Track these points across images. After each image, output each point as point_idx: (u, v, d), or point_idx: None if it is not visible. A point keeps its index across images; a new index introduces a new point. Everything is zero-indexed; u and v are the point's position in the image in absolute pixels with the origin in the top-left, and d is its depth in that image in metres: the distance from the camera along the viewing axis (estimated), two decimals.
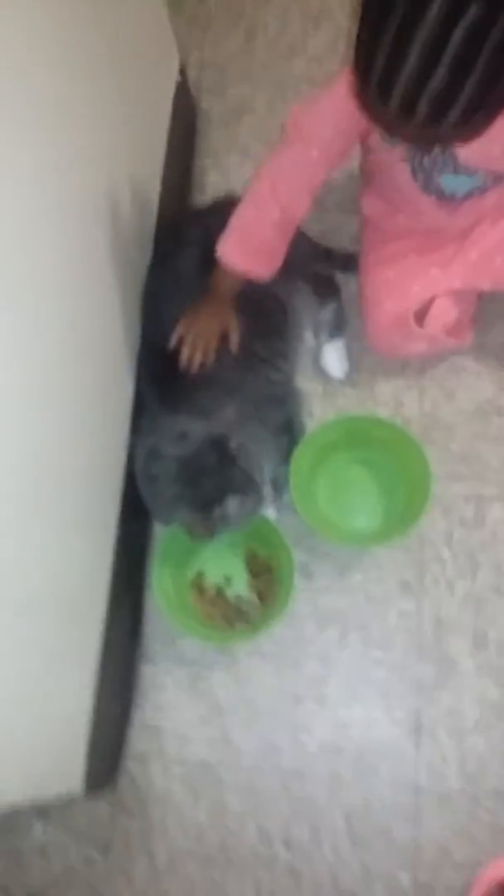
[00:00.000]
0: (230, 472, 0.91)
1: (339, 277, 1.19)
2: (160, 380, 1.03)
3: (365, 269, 1.10)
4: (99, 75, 0.90)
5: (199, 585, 1.08)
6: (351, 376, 1.16)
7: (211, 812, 1.00)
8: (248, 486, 0.92)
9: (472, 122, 0.69)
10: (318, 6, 1.40)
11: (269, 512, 1.06)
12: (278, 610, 0.98)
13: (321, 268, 1.19)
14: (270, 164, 0.92)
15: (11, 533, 0.70)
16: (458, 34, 0.62)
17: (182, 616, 1.02)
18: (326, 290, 1.16)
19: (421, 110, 0.66)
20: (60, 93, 0.78)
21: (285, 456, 1.05)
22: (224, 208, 1.11)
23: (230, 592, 1.07)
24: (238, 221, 0.94)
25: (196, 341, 0.97)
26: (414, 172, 0.93)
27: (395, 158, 0.91)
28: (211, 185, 1.31)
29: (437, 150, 0.88)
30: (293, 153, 0.91)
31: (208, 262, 1.02)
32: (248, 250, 0.94)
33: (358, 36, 0.68)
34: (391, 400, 1.15)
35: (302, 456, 1.04)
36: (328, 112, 0.89)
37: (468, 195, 0.95)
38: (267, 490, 1.00)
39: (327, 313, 1.16)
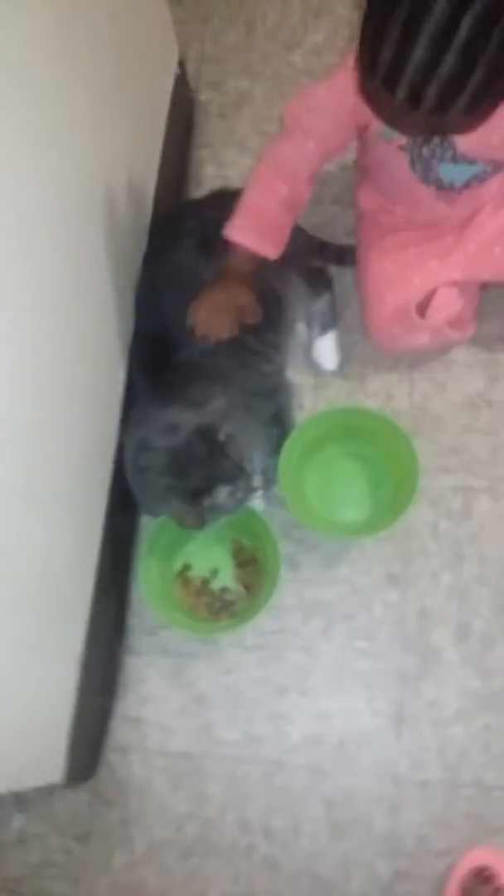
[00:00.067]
0: (219, 461, 0.91)
1: (333, 270, 1.19)
2: (152, 371, 1.03)
3: (364, 263, 1.10)
4: (98, 67, 0.90)
5: (184, 577, 1.08)
6: (342, 369, 1.17)
7: (191, 802, 1.00)
8: (237, 475, 0.92)
9: (479, 110, 0.68)
10: None
11: (257, 503, 1.06)
12: (263, 601, 0.98)
13: (315, 260, 1.19)
14: (271, 152, 0.93)
15: (0, 523, 0.70)
16: (467, 20, 0.62)
17: (167, 608, 1.02)
18: (319, 282, 1.17)
19: (429, 98, 0.66)
20: (59, 83, 0.78)
21: (275, 447, 1.06)
22: (220, 200, 1.12)
23: (215, 584, 1.07)
24: (246, 202, 0.94)
25: (210, 319, 0.95)
26: (413, 163, 0.93)
27: (393, 149, 0.92)
28: (207, 177, 1.31)
29: (436, 139, 0.89)
30: (292, 144, 0.92)
31: (204, 253, 1.02)
32: (256, 229, 0.94)
33: (363, 27, 0.68)
34: (382, 392, 1.15)
35: (291, 448, 1.04)
36: (327, 105, 0.89)
37: (467, 184, 0.95)
38: (257, 479, 1.00)
39: (320, 305, 1.16)
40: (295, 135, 0.92)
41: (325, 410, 1.12)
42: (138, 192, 1.09)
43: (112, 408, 1.03)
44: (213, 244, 1.02)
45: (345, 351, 1.17)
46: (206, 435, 0.91)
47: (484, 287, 1.12)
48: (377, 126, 0.85)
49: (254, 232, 0.94)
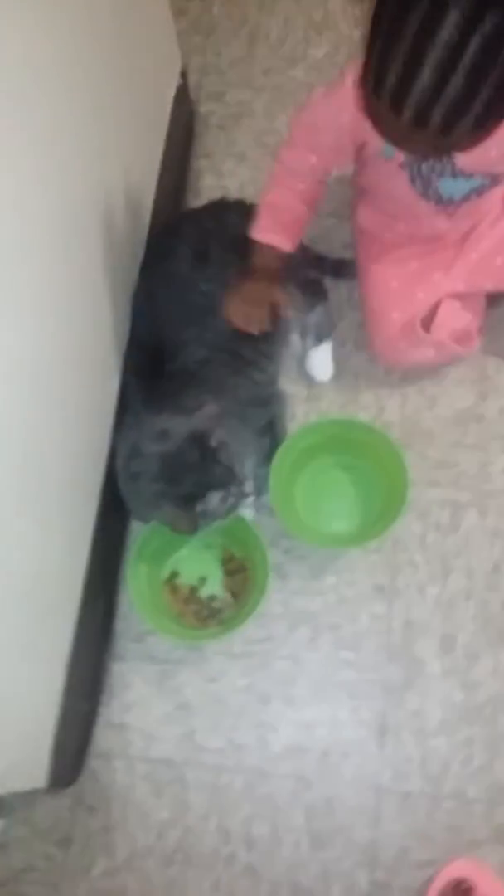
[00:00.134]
0: (211, 467, 0.92)
1: (327, 282, 1.20)
2: (147, 378, 1.04)
3: (367, 279, 1.11)
4: (102, 76, 0.91)
5: (172, 584, 1.08)
6: (334, 380, 1.18)
7: (173, 810, 1.00)
8: (229, 481, 0.93)
9: (484, 128, 0.69)
10: (322, 15, 1.43)
11: (248, 512, 1.07)
12: (250, 609, 0.98)
13: (311, 272, 1.21)
14: (282, 155, 0.97)
15: None
16: (474, 43, 0.62)
17: (155, 614, 1.02)
18: (314, 293, 1.18)
19: (435, 120, 0.66)
20: (65, 90, 0.79)
21: (266, 457, 1.06)
22: (218, 211, 1.13)
23: (204, 591, 1.07)
24: (265, 200, 0.99)
25: (245, 312, 0.99)
26: (412, 179, 0.94)
27: (393, 167, 0.93)
28: (206, 188, 1.33)
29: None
30: (296, 154, 0.96)
31: (201, 263, 1.03)
32: (277, 225, 0.98)
33: (367, 49, 0.68)
34: (373, 404, 1.17)
35: (283, 458, 1.05)
36: (326, 122, 0.91)
37: (466, 198, 0.97)
38: (249, 484, 1.00)
39: (314, 317, 1.17)
40: (299, 147, 0.95)
41: (318, 421, 1.13)
42: (137, 201, 1.10)
43: (106, 412, 1.03)
44: (210, 254, 1.04)
45: (337, 363, 1.18)
46: (198, 441, 0.92)
47: (490, 304, 1.14)
48: (376, 144, 0.86)
49: (274, 229, 0.98)
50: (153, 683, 1.05)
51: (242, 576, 1.07)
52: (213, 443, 0.92)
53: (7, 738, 0.83)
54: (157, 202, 1.18)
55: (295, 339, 1.18)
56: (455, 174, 0.91)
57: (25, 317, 0.73)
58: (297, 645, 1.05)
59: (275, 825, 0.98)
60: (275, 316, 1.01)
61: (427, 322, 1.07)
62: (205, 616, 1.06)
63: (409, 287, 1.07)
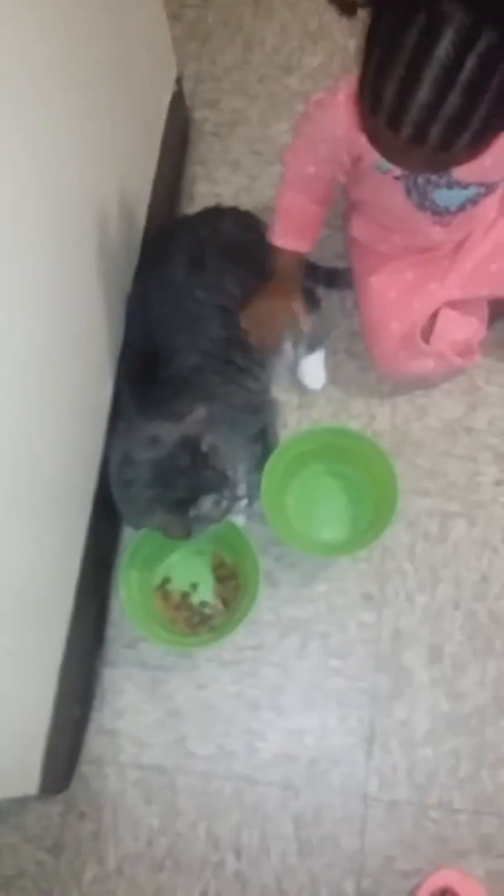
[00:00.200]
0: (203, 471, 0.92)
1: (320, 291, 1.21)
2: (140, 384, 1.04)
3: (366, 292, 1.12)
4: (97, 82, 0.91)
5: (164, 591, 1.08)
6: (326, 389, 1.18)
7: (163, 817, 1.00)
8: (222, 484, 0.93)
9: (482, 141, 0.69)
10: (317, 24, 1.44)
11: (239, 519, 1.08)
12: (241, 616, 0.99)
13: (304, 281, 1.21)
14: (288, 160, 0.99)
15: None
16: (471, 61, 0.62)
17: (146, 621, 1.03)
18: (307, 303, 1.18)
19: (433, 137, 0.67)
20: (60, 96, 0.79)
21: (258, 464, 1.07)
22: (213, 217, 1.14)
23: (195, 598, 1.08)
24: (279, 206, 1.01)
25: (260, 324, 1.03)
26: (408, 191, 0.95)
27: (388, 180, 0.93)
28: (200, 194, 1.33)
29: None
30: (297, 162, 0.98)
31: (195, 269, 1.04)
32: (293, 230, 1.01)
33: (364, 67, 0.68)
34: (364, 413, 1.17)
35: (274, 465, 1.06)
36: (321, 138, 0.92)
37: (461, 208, 0.97)
38: (241, 487, 1.01)
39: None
40: (299, 155, 0.97)
41: (309, 429, 1.14)
42: (132, 206, 1.10)
43: (99, 417, 1.04)
44: (205, 261, 1.04)
45: (329, 372, 1.19)
46: (189, 446, 0.92)
47: (492, 317, 1.14)
48: (371, 158, 0.87)
49: (290, 233, 1.01)
50: (145, 690, 1.05)
51: (233, 583, 1.08)
52: (204, 447, 0.92)
53: None
54: (151, 208, 1.18)
55: (287, 347, 1.19)
56: (450, 184, 0.92)
57: (19, 317, 0.73)
58: (286, 653, 1.06)
59: (263, 832, 0.99)
60: (290, 327, 1.06)
61: (427, 333, 1.08)
62: (196, 623, 1.06)
63: (406, 297, 1.08)
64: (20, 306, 0.73)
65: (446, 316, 1.09)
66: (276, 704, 1.04)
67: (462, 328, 1.10)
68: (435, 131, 0.66)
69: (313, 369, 1.19)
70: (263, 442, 1.12)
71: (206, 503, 0.92)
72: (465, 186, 0.92)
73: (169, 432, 0.92)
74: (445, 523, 1.10)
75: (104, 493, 0.99)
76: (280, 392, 1.18)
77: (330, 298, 1.22)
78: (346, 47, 1.40)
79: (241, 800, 1.00)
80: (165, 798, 1.01)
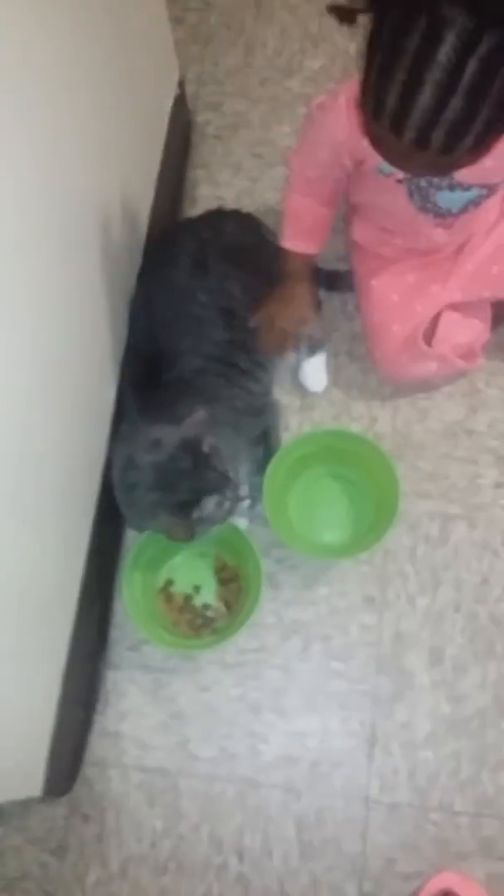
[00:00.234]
0: (205, 473, 0.92)
1: (321, 293, 1.21)
2: (143, 387, 1.05)
3: (368, 295, 1.12)
4: (100, 85, 0.91)
5: (167, 593, 1.09)
6: (327, 391, 1.19)
7: (166, 819, 1.01)
8: (224, 485, 0.93)
9: (485, 144, 0.70)
10: (318, 27, 1.44)
11: (241, 521, 1.08)
12: (244, 619, 0.99)
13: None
14: (293, 162, 1.00)
15: None
16: (472, 65, 0.62)
17: (149, 623, 1.03)
18: None
19: (436, 141, 0.67)
20: (64, 96, 0.79)
21: (260, 466, 1.07)
22: (215, 220, 1.14)
23: (197, 600, 1.08)
24: (287, 210, 1.03)
25: (276, 327, 1.05)
26: (411, 193, 0.95)
27: (391, 183, 0.94)
28: (202, 197, 1.33)
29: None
30: (302, 164, 0.98)
31: (197, 271, 1.04)
32: (302, 232, 1.03)
33: (365, 72, 0.68)
34: (366, 416, 1.18)
35: (276, 468, 1.06)
36: (323, 141, 0.92)
37: (464, 209, 0.98)
38: (244, 487, 1.01)
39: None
40: (303, 157, 0.97)
41: (311, 431, 1.14)
42: (135, 208, 1.10)
43: (102, 419, 1.04)
44: (208, 264, 1.04)
45: (330, 374, 1.19)
46: (190, 448, 0.92)
47: (495, 320, 1.14)
48: (373, 161, 0.87)
49: (298, 236, 1.03)
50: (148, 692, 1.05)
51: (236, 585, 1.08)
52: (205, 448, 0.93)
53: (3, 746, 0.84)
54: (154, 210, 1.18)
55: (289, 350, 1.19)
56: (452, 186, 0.92)
57: (23, 317, 0.73)
58: (288, 655, 1.06)
59: (266, 835, 0.99)
60: (300, 332, 1.09)
61: (429, 336, 1.08)
62: (198, 625, 1.07)
63: (408, 300, 1.08)
64: (24, 305, 0.73)
65: (448, 319, 1.09)
66: (278, 707, 1.04)
67: (464, 331, 1.10)
68: (437, 135, 0.67)
69: (315, 372, 1.19)
70: (265, 444, 1.12)
71: (209, 504, 0.93)
72: (467, 188, 0.92)
73: (170, 435, 0.93)
74: (446, 526, 1.11)
75: (107, 495, 0.99)
76: (282, 394, 1.18)
77: (331, 301, 1.22)
78: (347, 50, 1.41)
79: (243, 802, 1.01)
80: (168, 800, 1.01)
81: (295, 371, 1.19)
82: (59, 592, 0.94)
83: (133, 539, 1.09)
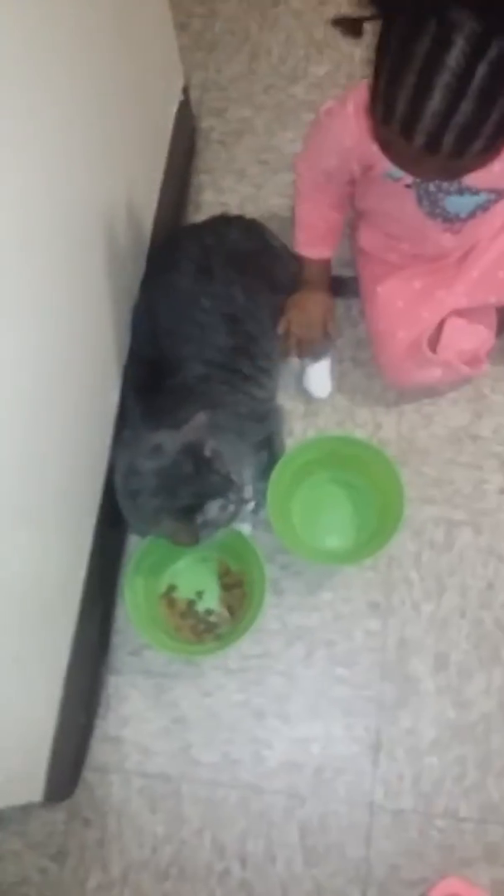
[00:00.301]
0: (207, 477, 0.92)
1: None
2: (146, 393, 1.05)
3: (372, 300, 1.12)
4: (106, 90, 0.92)
5: (169, 598, 1.08)
6: (332, 397, 1.19)
7: (168, 825, 1.00)
8: (227, 488, 0.93)
9: (494, 148, 0.70)
10: (322, 33, 1.44)
11: (245, 527, 1.08)
12: (247, 625, 0.99)
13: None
14: (300, 167, 1.01)
15: None
16: (482, 69, 0.62)
17: (151, 628, 1.03)
18: None
19: (447, 145, 0.67)
20: (68, 106, 0.80)
21: (264, 472, 1.07)
22: (219, 226, 1.14)
23: (200, 606, 1.08)
24: (299, 217, 1.06)
25: (298, 329, 1.10)
26: (420, 199, 0.95)
27: (399, 188, 0.94)
28: (206, 203, 1.34)
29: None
30: (310, 170, 0.99)
31: (201, 277, 1.04)
32: (316, 239, 1.07)
33: (374, 77, 0.69)
34: (370, 422, 1.18)
35: (280, 473, 1.06)
36: (330, 148, 0.93)
37: (472, 214, 0.98)
38: (248, 490, 1.01)
39: None
40: (310, 163, 0.98)
41: (315, 437, 1.15)
42: (139, 214, 1.11)
43: (106, 424, 1.04)
44: (210, 269, 1.05)
45: (335, 380, 1.19)
46: (192, 452, 0.92)
47: (501, 326, 1.14)
48: (382, 166, 0.87)
49: (312, 242, 1.07)
50: (150, 697, 1.05)
51: (239, 591, 1.08)
52: (207, 452, 0.93)
53: (4, 750, 0.84)
54: (158, 216, 1.18)
55: (293, 355, 1.19)
56: (462, 191, 0.92)
57: (27, 318, 0.73)
58: (292, 661, 1.06)
59: (269, 841, 0.99)
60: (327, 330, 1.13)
61: (434, 342, 1.08)
62: (201, 631, 1.06)
63: (413, 306, 1.09)
64: (28, 307, 0.73)
65: (453, 325, 1.09)
66: (281, 712, 1.04)
67: (469, 337, 1.10)
68: (448, 139, 0.67)
69: (319, 378, 1.19)
70: (269, 450, 1.12)
71: (213, 508, 0.93)
72: (476, 192, 0.92)
73: (171, 440, 0.93)
74: (451, 531, 1.11)
75: (110, 499, 0.99)
76: (286, 400, 1.18)
77: (336, 307, 1.22)
78: (352, 56, 1.41)
79: (246, 808, 1.00)
80: (170, 806, 1.01)
81: (299, 377, 1.20)
82: (61, 594, 0.94)
83: (136, 544, 1.09)
